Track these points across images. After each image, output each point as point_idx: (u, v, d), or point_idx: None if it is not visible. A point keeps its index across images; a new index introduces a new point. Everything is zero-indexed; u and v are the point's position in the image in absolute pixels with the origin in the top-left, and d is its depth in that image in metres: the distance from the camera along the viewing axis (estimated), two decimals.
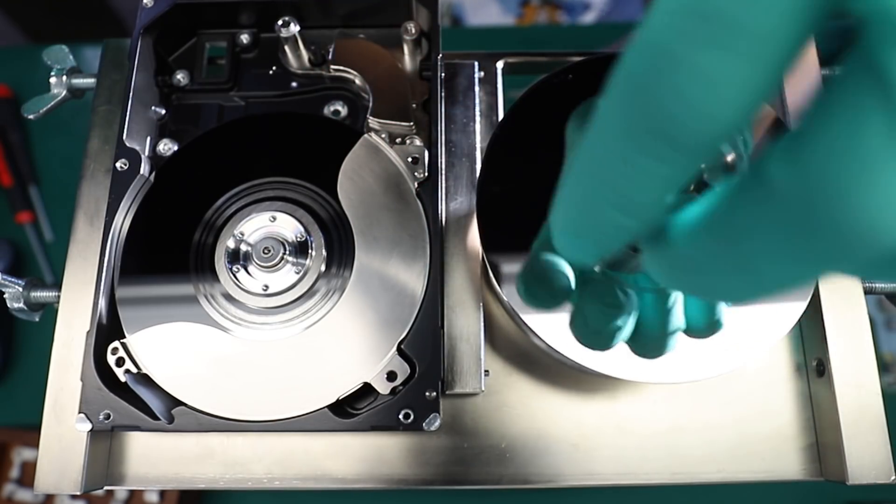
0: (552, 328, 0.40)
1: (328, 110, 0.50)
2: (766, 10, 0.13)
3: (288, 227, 0.44)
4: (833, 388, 0.43)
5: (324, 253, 0.44)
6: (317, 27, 0.51)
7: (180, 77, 0.51)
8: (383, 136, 0.48)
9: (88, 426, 0.40)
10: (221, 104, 0.51)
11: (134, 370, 0.42)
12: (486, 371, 0.43)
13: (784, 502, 0.77)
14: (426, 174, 0.45)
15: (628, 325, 0.27)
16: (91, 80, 0.51)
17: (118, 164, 0.46)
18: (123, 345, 0.43)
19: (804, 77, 0.51)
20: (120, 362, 0.43)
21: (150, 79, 0.49)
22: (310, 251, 0.44)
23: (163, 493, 0.74)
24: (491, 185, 0.43)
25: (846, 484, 0.42)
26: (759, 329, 0.41)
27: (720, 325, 0.27)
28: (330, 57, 0.50)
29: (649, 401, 0.46)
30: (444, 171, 0.48)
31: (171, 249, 0.45)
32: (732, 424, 0.45)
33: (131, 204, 0.46)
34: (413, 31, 0.48)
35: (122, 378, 0.42)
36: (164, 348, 0.43)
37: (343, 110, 0.50)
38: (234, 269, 0.44)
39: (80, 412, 0.41)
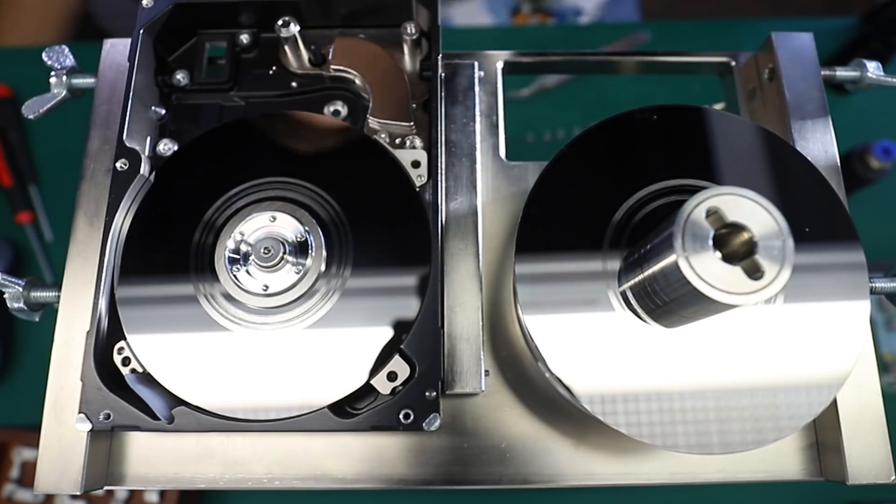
0: (577, 375, 0.41)
1: (328, 110, 0.50)
2: None
3: (288, 227, 0.44)
4: None
5: (324, 253, 0.44)
6: (317, 27, 0.51)
7: (180, 77, 0.51)
8: (383, 136, 0.48)
9: (88, 426, 0.40)
10: (221, 104, 0.51)
11: (140, 370, 0.42)
12: (486, 371, 0.43)
13: (784, 502, 0.77)
14: (427, 177, 0.45)
15: None
16: (91, 80, 0.51)
17: (118, 164, 0.46)
18: (128, 344, 0.43)
19: (805, 76, 0.51)
20: (126, 362, 0.43)
21: (150, 79, 0.49)
22: (310, 251, 0.44)
23: (163, 493, 0.74)
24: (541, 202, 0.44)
25: (846, 484, 0.42)
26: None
27: None
28: (330, 57, 0.50)
29: None
30: (444, 171, 0.48)
31: (171, 249, 0.45)
32: None
33: (131, 204, 0.46)
34: (413, 31, 0.48)
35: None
36: (163, 348, 0.43)
37: (343, 110, 0.50)
38: (234, 269, 0.44)
39: (80, 412, 0.40)
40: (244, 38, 0.51)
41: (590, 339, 0.41)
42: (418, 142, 0.47)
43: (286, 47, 0.49)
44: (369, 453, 0.45)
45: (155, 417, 0.40)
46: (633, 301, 0.41)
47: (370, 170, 0.46)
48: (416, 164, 0.46)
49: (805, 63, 0.52)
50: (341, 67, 0.49)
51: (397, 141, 0.48)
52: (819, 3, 1.80)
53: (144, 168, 0.46)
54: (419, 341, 0.41)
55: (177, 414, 0.41)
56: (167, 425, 0.41)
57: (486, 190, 0.51)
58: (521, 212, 0.43)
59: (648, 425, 0.39)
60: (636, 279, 0.39)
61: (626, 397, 0.40)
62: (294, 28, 0.48)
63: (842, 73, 0.51)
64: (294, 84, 0.51)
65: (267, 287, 0.43)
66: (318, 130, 0.48)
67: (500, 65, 0.54)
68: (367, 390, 0.41)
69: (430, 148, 0.46)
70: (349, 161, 0.47)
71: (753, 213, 0.33)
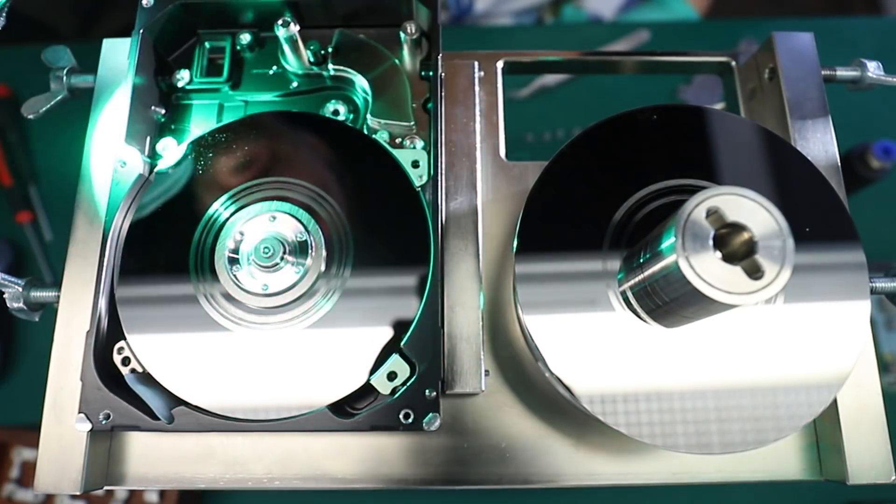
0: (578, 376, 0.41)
1: (328, 110, 0.50)
2: None
3: (288, 226, 0.44)
4: None
5: (324, 253, 0.44)
6: (317, 27, 0.51)
7: (180, 77, 0.51)
8: (383, 135, 0.48)
9: (88, 426, 0.40)
10: (221, 104, 0.51)
11: (140, 370, 0.42)
12: (486, 371, 0.43)
13: (784, 502, 0.77)
14: (427, 177, 0.45)
15: None
16: (91, 80, 0.51)
17: (118, 164, 0.46)
18: (128, 344, 0.43)
19: (805, 76, 0.51)
20: (126, 361, 0.43)
21: (149, 78, 0.49)
22: (310, 251, 0.44)
23: (163, 493, 0.74)
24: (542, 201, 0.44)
25: (846, 484, 0.42)
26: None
27: None
28: (330, 57, 0.50)
29: None
30: (444, 171, 0.48)
31: (171, 249, 0.45)
32: None
33: (131, 204, 0.46)
34: (413, 30, 0.48)
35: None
36: (163, 348, 0.43)
37: (343, 110, 0.50)
38: (234, 269, 0.44)
39: (79, 412, 0.41)
40: (244, 37, 0.51)
41: (590, 339, 0.41)
42: (419, 142, 0.47)
43: (286, 47, 0.49)
44: (369, 453, 0.45)
45: (155, 417, 0.40)
46: (633, 301, 0.41)
47: (370, 170, 0.46)
48: (416, 164, 0.46)
49: (805, 63, 0.52)
50: (341, 67, 0.49)
51: (397, 141, 0.48)
52: (820, 3, 1.79)
53: (144, 168, 0.46)
54: (419, 341, 0.41)
55: (177, 414, 0.41)
56: (167, 425, 0.41)
57: (486, 190, 0.51)
58: (521, 212, 0.43)
59: (648, 425, 0.39)
60: (636, 279, 0.39)
61: (626, 397, 0.40)
62: (294, 28, 0.48)
63: (842, 72, 0.51)
64: (294, 84, 0.51)
65: (267, 287, 0.43)
66: (318, 130, 0.48)
67: (500, 65, 0.54)
68: (366, 390, 0.41)
69: (430, 148, 0.46)
70: (349, 161, 0.47)
71: (753, 212, 0.33)
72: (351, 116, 0.50)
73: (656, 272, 0.36)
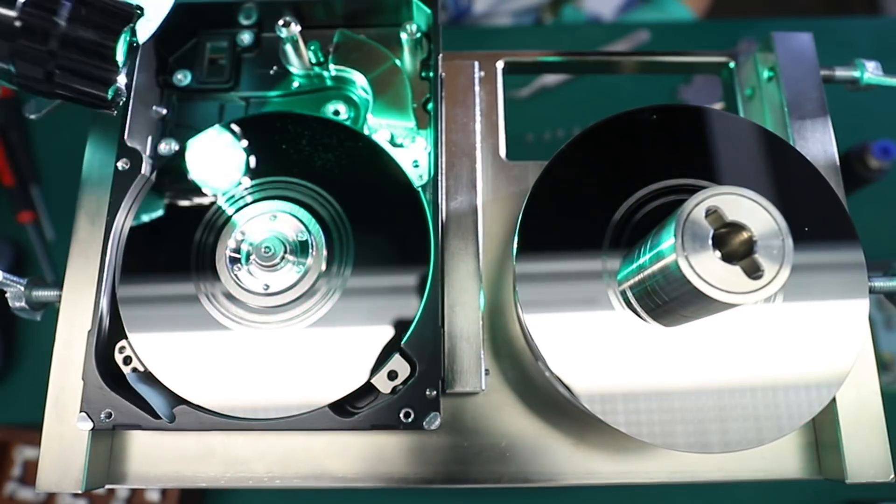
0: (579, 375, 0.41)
1: (329, 110, 0.50)
2: None
3: (289, 226, 0.44)
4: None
5: (324, 252, 0.44)
6: (317, 27, 0.51)
7: (181, 77, 0.51)
8: (384, 135, 0.48)
9: (90, 425, 0.40)
10: (222, 104, 0.51)
11: (141, 368, 0.42)
12: (486, 370, 0.43)
13: (783, 501, 0.77)
14: (427, 177, 0.45)
15: None
16: None
17: (119, 164, 0.46)
18: (129, 343, 0.43)
19: (804, 76, 0.51)
20: (127, 360, 0.43)
21: (151, 78, 0.49)
22: (310, 251, 0.44)
23: (164, 492, 0.74)
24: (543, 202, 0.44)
25: (845, 482, 0.42)
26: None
27: None
28: (330, 57, 0.50)
29: None
30: (444, 171, 0.48)
31: (172, 249, 0.45)
32: None
33: (132, 203, 0.46)
34: (413, 31, 0.48)
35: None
36: (165, 347, 0.43)
37: (344, 110, 0.50)
38: (235, 268, 0.44)
39: (81, 411, 0.41)
40: (245, 37, 0.51)
41: (590, 338, 0.41)
42: (419, 142, 0.48)
43: (287, 47, 0.49)
44: (370, 452, 0.45)
45: (156, 416, 0.41)
46: (632, 300, 0.41)
47: (370, 170, 0.46)
48: (416, 164, 0.46)
49: (805, 63, 0.52)
50: (342, 67, 0.49)
51: (398, 141, 0.48)
52: (819, 3, 1.80)
53: (145, 168, 0.46)
54: (419, 341, 0.41)
55: (178, 413, 0.41)
56: (168, 424, 0.41)
57: (486, 190, 0.51)
58: (521, 211, 0.43)
59: (648, 424, 0.40)
60: (636, 278, 0.39)
61: (625, 396, 0.40)
62: (295, 28, 0.48)
63: (841, 73, 0.51)
64: (295, 84, 0.51)
65: (268, 286, 0.43)
66: (318, 130, 0.48)
67: (500, 65, 0.54)
68: (367, 389, 0.42)
69: (431, 148, 0.46)
70: (349, 161, 0.47)
71: (753, 212, 0.33)
72: (352, 116, 0.50)
73: (656, 271, 0.36)
